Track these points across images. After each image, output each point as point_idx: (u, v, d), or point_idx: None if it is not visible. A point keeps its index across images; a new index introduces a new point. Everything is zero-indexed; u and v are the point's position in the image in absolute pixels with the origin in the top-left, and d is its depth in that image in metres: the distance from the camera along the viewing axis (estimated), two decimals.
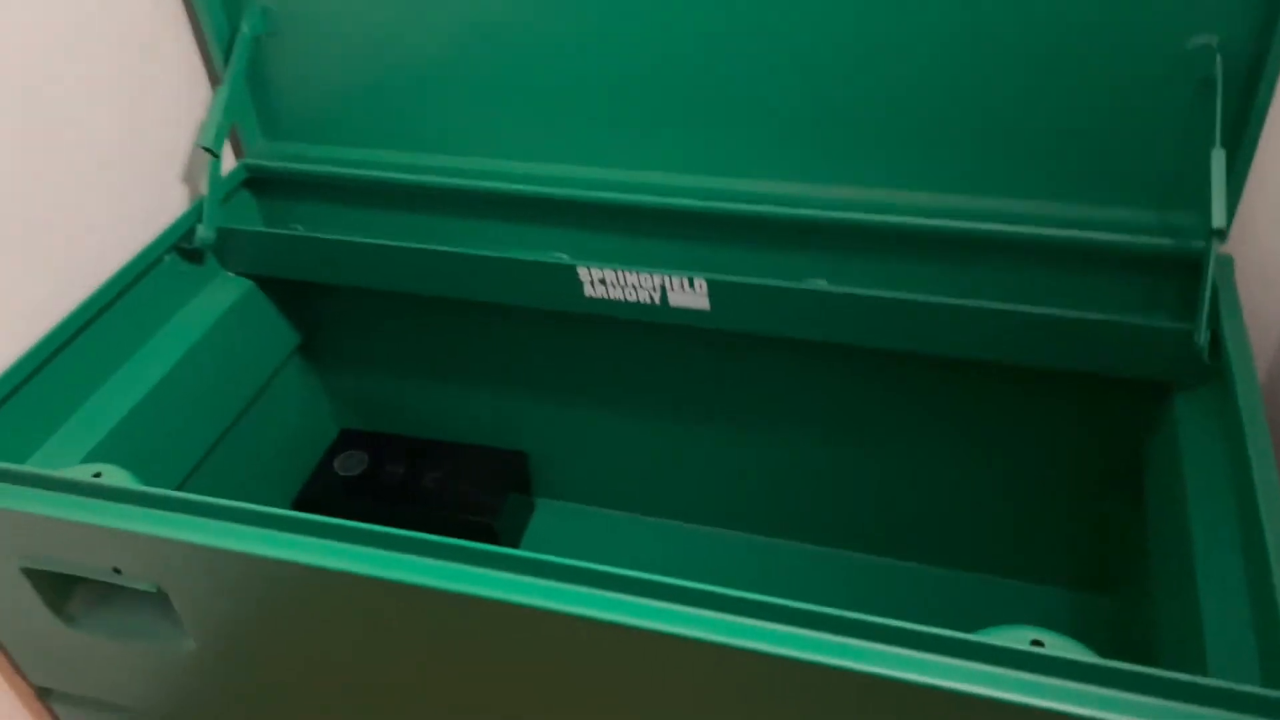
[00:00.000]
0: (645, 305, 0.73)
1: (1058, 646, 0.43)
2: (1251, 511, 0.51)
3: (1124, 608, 0.83)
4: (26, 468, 0.56)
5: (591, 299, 0.74)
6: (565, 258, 0.81)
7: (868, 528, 0.89)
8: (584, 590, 0.47)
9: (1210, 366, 0.60)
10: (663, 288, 0.71)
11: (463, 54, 0.75)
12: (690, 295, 0.71)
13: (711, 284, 0.70)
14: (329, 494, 0.95)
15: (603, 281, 0.73)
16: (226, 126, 0.77)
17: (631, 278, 0.72)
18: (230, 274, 0.84)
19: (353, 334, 0.93)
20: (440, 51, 0.76)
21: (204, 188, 0.79)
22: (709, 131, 0.73)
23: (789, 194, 0.73)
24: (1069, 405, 0.74)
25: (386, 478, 0.95)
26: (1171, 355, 0.63)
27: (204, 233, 0.78)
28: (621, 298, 0.73)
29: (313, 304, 0.90)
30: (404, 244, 0.76)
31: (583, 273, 0.73)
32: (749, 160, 0.74)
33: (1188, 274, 0.67)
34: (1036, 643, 0.43)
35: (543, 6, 0.71)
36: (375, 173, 0.81)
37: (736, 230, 0.75)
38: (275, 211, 0.88)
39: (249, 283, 0.84)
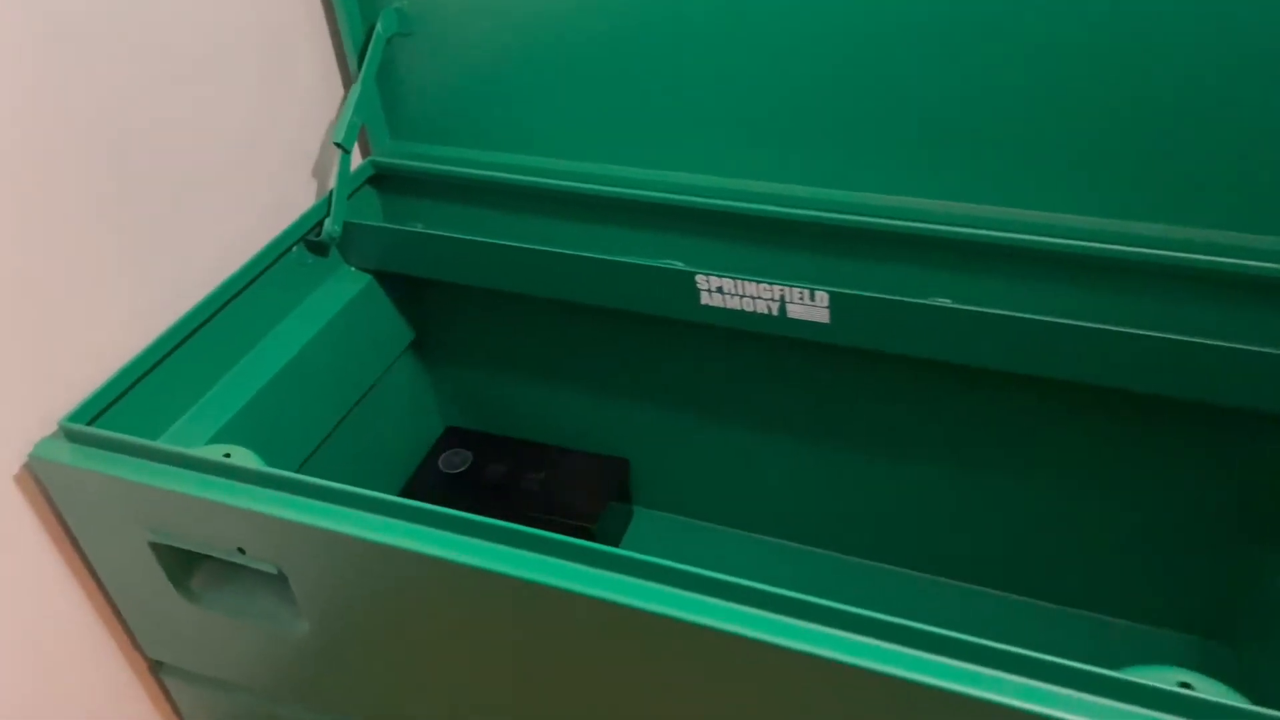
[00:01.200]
0: (762, 316, 0.72)
1: (1208, 690, 0.41)
2: None
3: (1247, 657, 0.78)
4: (161, 444, 0.58)
5: (707, 307, 0.74)
6: (681, 265, 0.81)
7: (978, 558, 0.86)
8: (679, 592, 0.47)
9: None
10: (782, 299, 0.70)
11: (588, 59, 0.76)
12: (810, 308, 0.70)
13: (833, 297, 0.68)
14: (432, 489, 0.96)
15: (720, 290, 0.72)
16: (358, 124, 0.79)
17: (750, 287, 0.71)
18: (352, 268, 0.86)
19: (464, 332, 0.95)
20: (566, 56, 0.77)
21: (333, 182, 0.81)
22: (834, 143, 0.72)
23: (915, 208, 0.72)
24: (1204, 439, 0.71)
25: (489, 476, 0.96)
26: None
27: (331, 226, 0.80)
28: (738, 307, 0.72)
29: (427, 301, 0.92)
30: (519, 244, 0.77)
31: (700, 280, 0.72)
32: (875, 173, 0.72)
33: None
34: (1185, 685, 0.41)
35: (671, 11, 0.71)
36: (495, 174, 0.82)
37: (857, 243, 0.74)
38: (397, 208, 0.90)
39: (368, 277, 0.86)
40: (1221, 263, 0.64)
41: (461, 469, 0.97)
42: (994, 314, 0.66)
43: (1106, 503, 0.78)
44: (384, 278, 0.86)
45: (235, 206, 0.76)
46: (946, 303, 0.72)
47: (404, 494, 0.96)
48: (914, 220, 0.71)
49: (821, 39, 0.68)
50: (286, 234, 0.78)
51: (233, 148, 0.75)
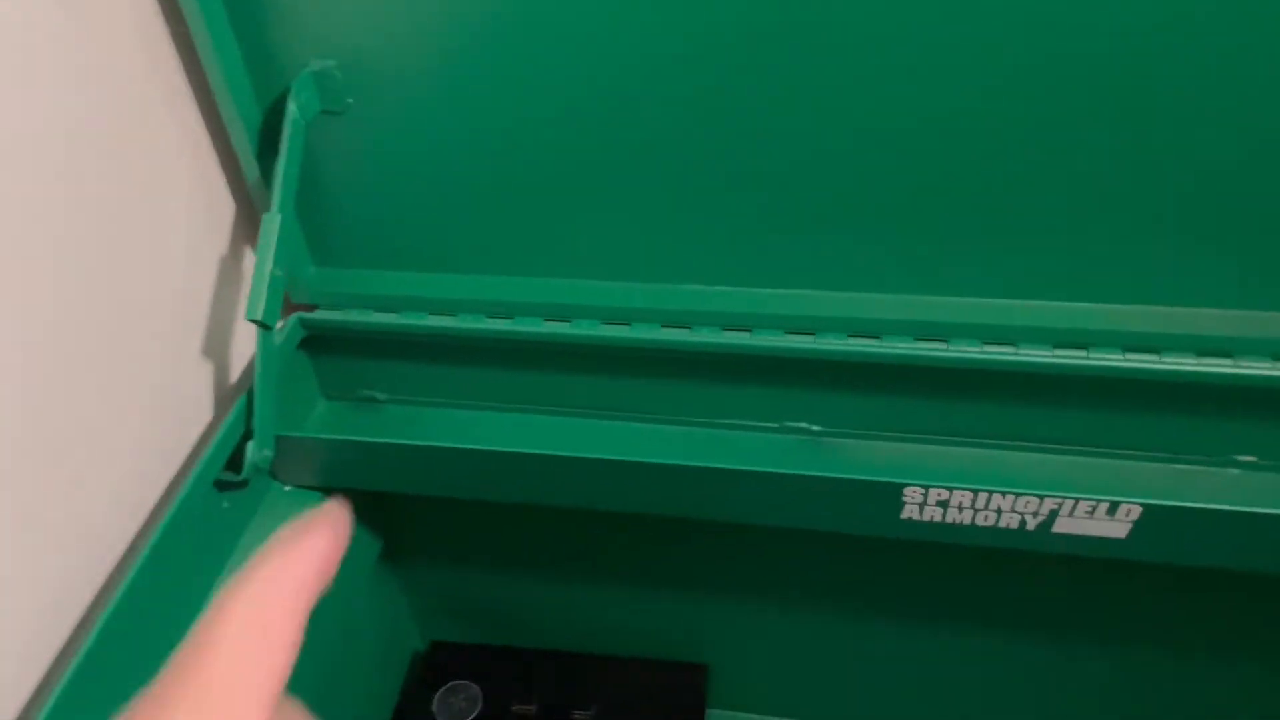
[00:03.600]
0: (1005, 530, 0.45)
1: None
2: None
3: None
4: None
5: (909, 522, 0.46)
6: (815, 429, 0.53)
7: None
8: None
9: None
10: (1051, 512, 0.44)
11: (635, 134, 0.46)
12: (1099, 523, 0.43)
13: (1148, 510, 0.42)
14: None
15: (941, 503, 0.45)
16: (283, 280, 0.46)
17: (997, 500, 0.44)
18: (288, 486, 0.54)
19: (446, 532, 0.64)
20: (598, 128, 0.46)
21: (242, 376, 0.48)
22: (1048, 235, 0.45)
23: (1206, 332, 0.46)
24: None
25: None
26: None
27: (256, 454, 0.48)
28: (965, 521, 0.45)
29: (395, 507, 0.61)
30: (527, 450, 0.48)
31: (912, 493, 0.44)
32: (1124, 278, 0.46)
33: None
34: None
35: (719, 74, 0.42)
36: (490, 324, 0.52)
37: (1127, 395, 0.48)
38: (340, 374, 0.58)
39: (315, 495, 0.54)
40: None
41: (470, 716, 0.67)
42: None
43: None
44: (335, 491, 0.55)
45: (91, 473, 0.43)
46: (1252, 460, 0.48)
47: None
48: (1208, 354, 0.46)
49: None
50: (185, 497, 0.45)
51: (82, 363, 0.42)
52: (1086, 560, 0.48)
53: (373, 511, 0.60)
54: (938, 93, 0.41)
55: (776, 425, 0.54)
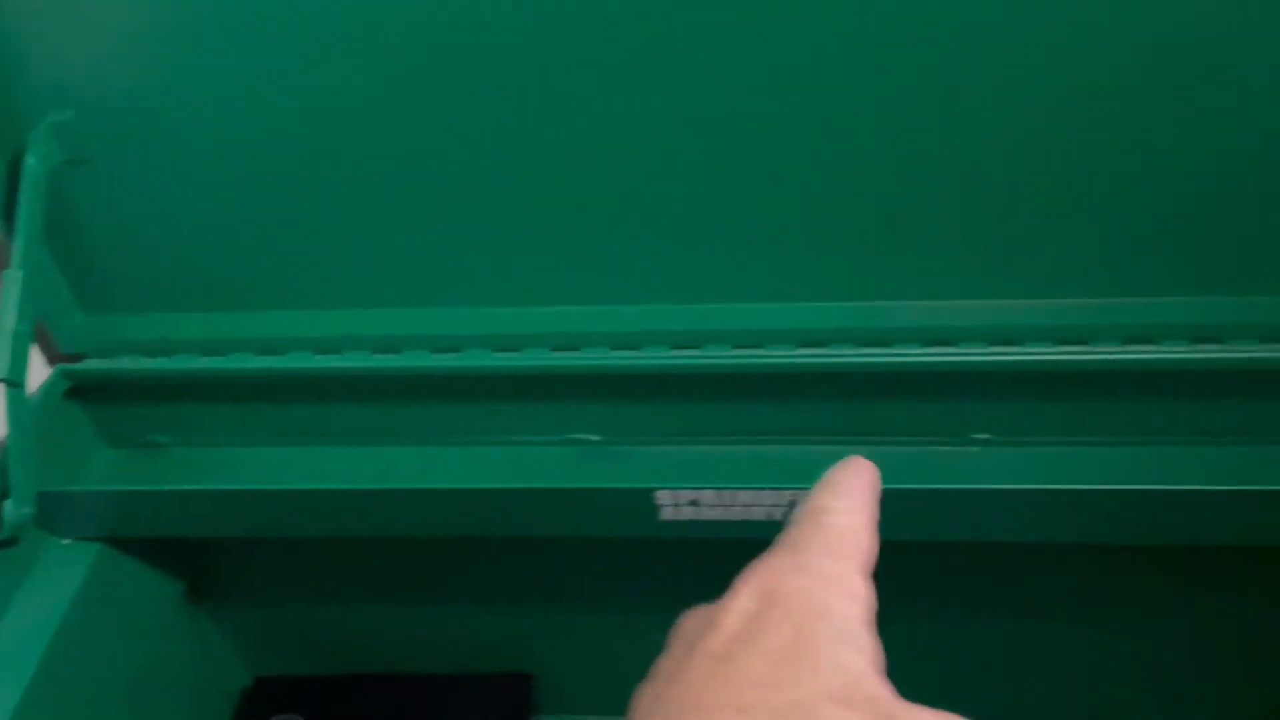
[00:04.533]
0: (759, 523, 0.48)
1: None
2: None
3: None
4: None
5: (669, 522, 0.48)
6: (595, 439, 0.55)
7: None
8: None
9: None
10: (792, 503, 0.46)
11: (386, 164, 0.48)
12: None
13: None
14: None
15: (694, 503, 0.47)
16: (28, 334, 0.46)
17: (744, 496, 0.46)
18: (65, 540, 0.53)
19: (258, 568, 0.64)
20: (358, 158, 0.48)
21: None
22: (800, 240, 0.49)
23: (917, 323, 0.50)
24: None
25: None
26: None
27: (15, 513, 0.47)
28: (721, 517, 0.48)
29: (195, 545, 0.61)
30: (320, 485, 0.49)
31: (663, 495, 0.47)
32: (859, 279, 0.50)
33: None
34: None
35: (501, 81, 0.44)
36: (266, 361, 0.52)
37: (865, 383, 0.51)
38: (120, 422, 0.57)
39: (97, 546, 0.53)
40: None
41: None
42: (1032, 490, 0.46)
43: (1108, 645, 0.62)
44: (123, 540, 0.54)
45: None
46: (985, 438, 0.52)
47: None
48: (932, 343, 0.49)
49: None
50: None
51: None
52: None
53: (168, 557, 0.59)
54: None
55: (559, 438, 0.56)
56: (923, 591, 0.59)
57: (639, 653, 0.68)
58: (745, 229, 0.48)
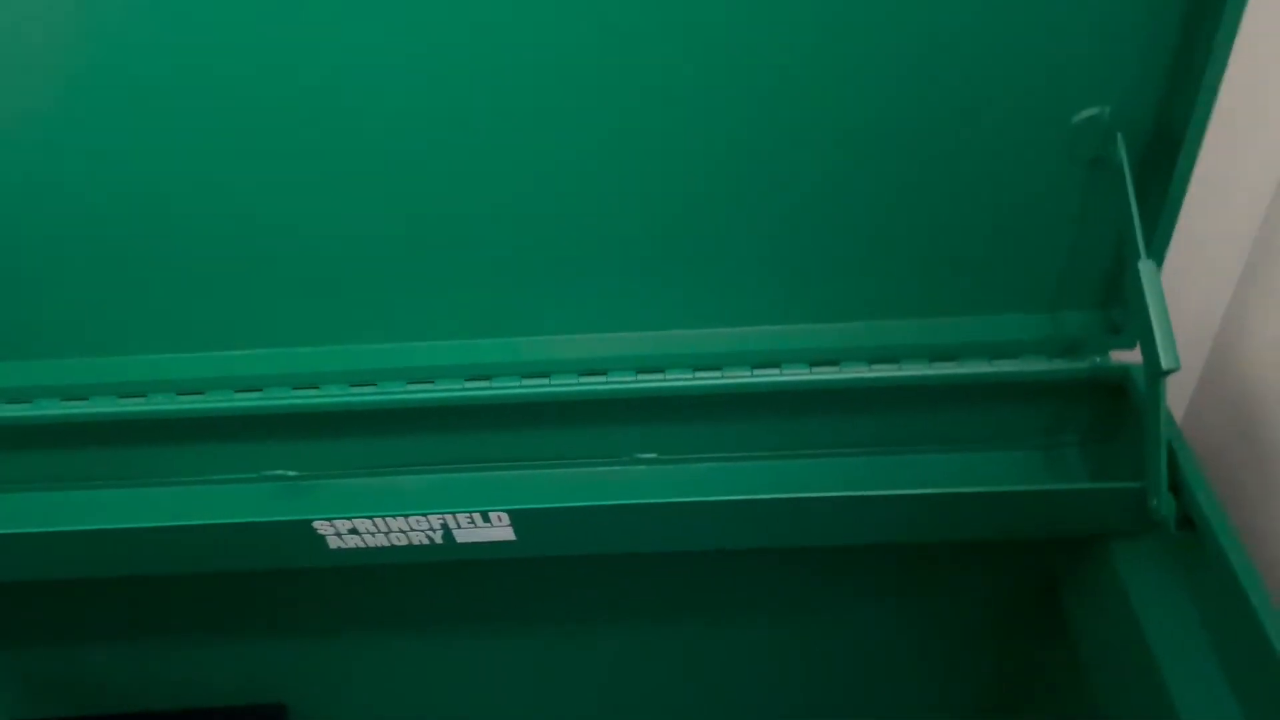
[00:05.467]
0: (421, 547, 0.52)
1: None
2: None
3: None
4: None
5: (340, 551, 0.52)
6: (291, 474, 0.58)
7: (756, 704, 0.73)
8: None
9: (1175, 533, 0.47)
10: (444, 526, 0.50)
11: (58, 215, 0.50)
12: (486, 529, 0.50)
13: (514, 515, 0.49)
14: None
15: (354, 532, 0.50)
16: None
17: (398, 523, 0.50)
18: None
19: (6, 613, 0.65)
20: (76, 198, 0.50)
21: None
22: (455, 284, 0.52)
23: (578, 356, 0.54)
24: (980, 557, 0.61)
25: None
26: (1118, 513, 0.50)
27: None
28: (385, 543, 0.51)
29: None
30: (31, 530, 0.50)
31: (322, 526, 0.50)
32: (521, 318, 0.54)
33: (1092, 392, 0.55)
34: None
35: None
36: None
37: (522, 414, 0.55)
38: None
39: None
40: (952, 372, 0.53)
41: None
42: (692, 503, 0.50)
43: (870, 629, 0.67)
44: None
45: None
46: (651, 457, 0.57)
47: None
48: (583, 376, 0.54)
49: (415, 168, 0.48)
50: None
51: None
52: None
53: None
54: None
55: (256, 475, 0.58)
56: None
57: (385, 681, 0.71)
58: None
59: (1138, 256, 0.45)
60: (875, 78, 0.45)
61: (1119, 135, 0.46)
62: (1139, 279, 0.45)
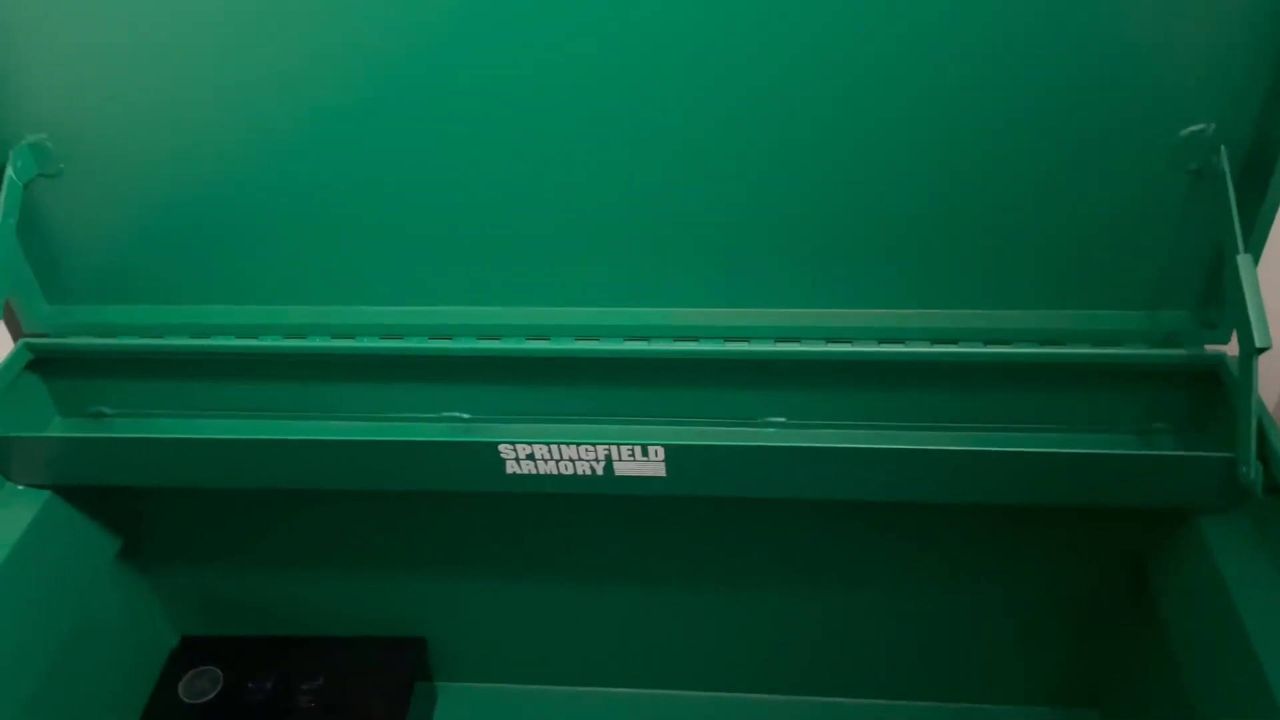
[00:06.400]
0: (584, 478, 0.59)
1: None
2: None
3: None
4: None
5: (515, 476, 0.60)
6: (465, 416, 0.67)
7: (828, 672, 0.79)
8: None
9: (1263, 497, 0.53)
10: (608, 458, 0.58)
11: (302, 181, 0.60)
12: (643, 464, 0.58)
13: (669, 451, 0.57)
14: None
15: (530, 458, 0.59)
16: None
17: (569, 450, 0.58)
18: (19, 485, 0.64)
19: (189, 527, 0.75)
20: (271, 178, 0.60)
21: None
22: (620, 260, 0.61)
23: (725, 324, 0.62)
24: (1066, 534, 0.66)
25: (250, 698, 0.76)
26: (1206, 484, 0.55)
27: None
28: (554, 472, 0.59)
29: (133, 502, 0.71)
30: (243, 436, 0.59)
31: (505, 449, 0.58)
32: (680, 289, 0.62)
33: (1187, 380, 0.60)
34: None
35: (397, 111, 0.56)
36: (196, 342, 0.64)
37: (672, 373, 0.63)
38: (72, 394, 0.69)
39: (45, 494, 0.64)
40: (1059, 353, 0.60)
41: (211, 695, 0.76)
42: (833, 448, 0.56)
43: (965, 603, 0.73)
44: (69, 489, 0.65)
45: None
46: (781, 420, 0.64)
47: None
48: (726, 340, 0.62)
49: (592, 136, 0.56)
50: None
51: None
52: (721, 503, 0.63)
53: (109, 510, 0.70)
54: None
55: (435, 415, 0.67)
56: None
57: (525, 619, 0.78)
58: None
59: (1236, 252, 0.51)
60: (1012, 92, 0.52)
61: (1222, 147, 0.53)
62: (1236, 270, 0.51)
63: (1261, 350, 0.50)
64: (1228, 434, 0.55)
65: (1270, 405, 0.67)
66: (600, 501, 0.67)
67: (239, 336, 0.65)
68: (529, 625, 0.80)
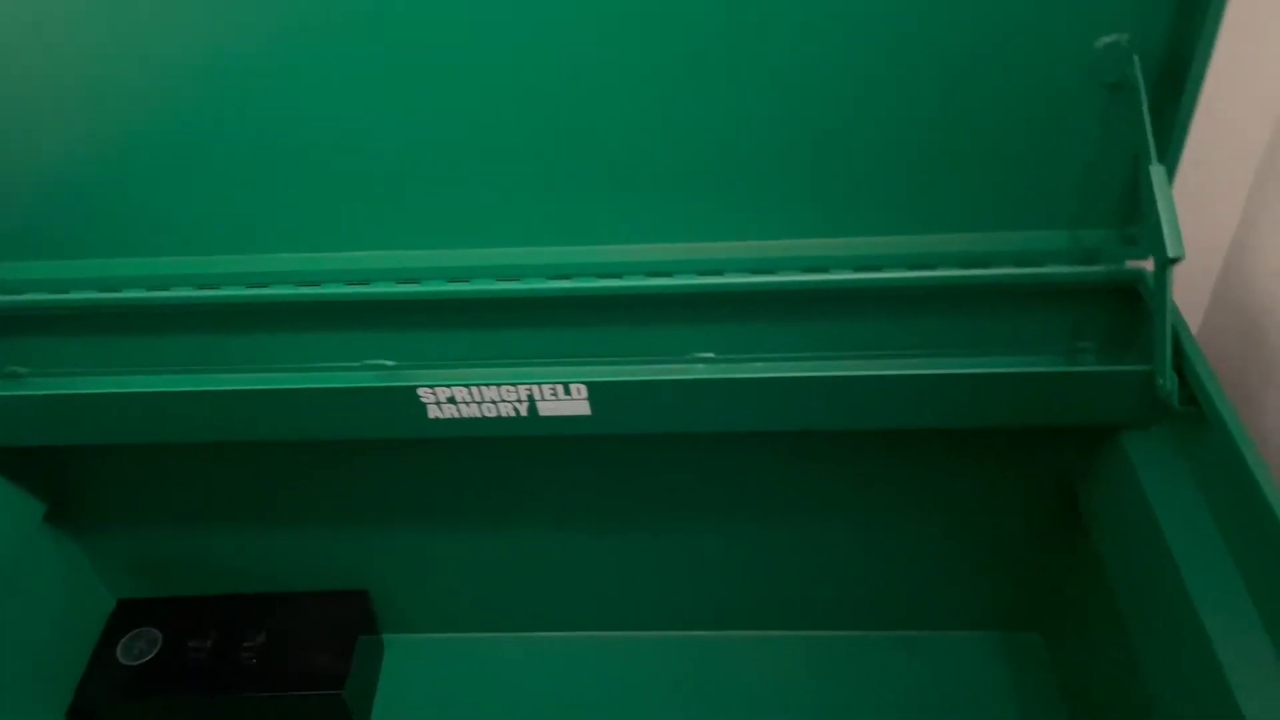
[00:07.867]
0: (508, 420, 0.59)
1: None
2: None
3: (1055, 644, 0.78)
4: None
5: (438, 420, 0.59)
6: (390, 364, 0.65)
7: (778, 606, 0.79)
8: None
9: (1180, 410, 0.53)
10: (530, 398, 0.57)
11: (207, 126, 0.58)
12: (565, 403, 0.57)
13: (592, 388, 0.56)
14: (113, 694, 0.74)
15: (451, 401, 0.58)
16: None
17: (490, 392, 0.57)
18: None
19: (117, 489, 0.73)
20: (175, 125, 0.58)
21: None
22: (539, 198, 0.60)
23: (648, 260, 0.61)
24: (999, 462, 0.67)
25: (190, 658, 0.75)
26: (1129, 399, 0.56)
27: None
28: (477, 415, 0.58)
29: (58, 462, 0.70)
30: (165, 388, 0.58)
31: (424, 393, 0.57)
32: (603, 225, 0.61)
33: (1110, 298, 0.60)
34: None
35: (303, 49, 0.54)
36: (106, 295, 0.62)
37: (598, 310, 0.62)
38: None
39: None
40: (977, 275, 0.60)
41: (151, 655, 0.76)
42: (757, 378, 0.56)
43: (901, 536, 0.73)
44: None
45: None
46: (710, 356, 0.63)
47: (76, 709, 0.74)
48: (648, 274, 0.61)
49: (503, 69, 0.55)
50: None
51: None
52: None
53: (32, 473, 0.68)
54: None
55: (358, 364, 0.66)
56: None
57: (469, 567, 0.78)
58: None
59: (1150, 163, 0.51)
60: (924, 9, 0.51)
61: (1135, 58, 0.52)
62: (1150, 182, 0.51)
63: (1174, 260, 0.50)
64: (1150, 352, 0.55)
65: (1194, 328, 0.67)
66: (532, 444, 0.66)
67: (150, 289, 0.63)
68: (473, 573, 0.80)
